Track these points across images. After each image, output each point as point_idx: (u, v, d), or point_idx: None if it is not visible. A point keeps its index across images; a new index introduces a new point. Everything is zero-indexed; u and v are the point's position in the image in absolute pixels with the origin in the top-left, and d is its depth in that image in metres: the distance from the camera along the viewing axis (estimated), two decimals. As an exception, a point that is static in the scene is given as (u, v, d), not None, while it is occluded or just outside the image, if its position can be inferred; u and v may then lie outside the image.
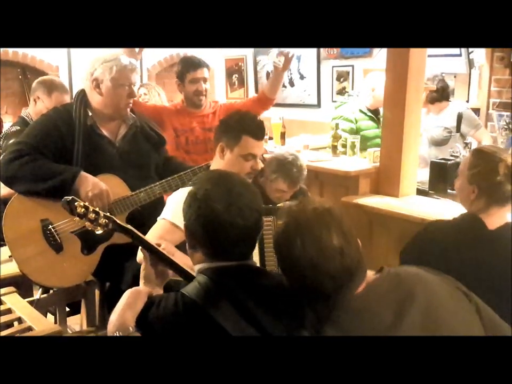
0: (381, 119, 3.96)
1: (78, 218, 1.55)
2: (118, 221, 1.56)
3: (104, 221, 1.54)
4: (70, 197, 1.57)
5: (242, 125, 2.10)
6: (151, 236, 1.88)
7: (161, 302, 1.32)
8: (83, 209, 1.54)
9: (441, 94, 3.90)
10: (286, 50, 3.02)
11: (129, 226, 1.56)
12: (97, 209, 1.57)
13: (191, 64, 3.14)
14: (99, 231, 1.57)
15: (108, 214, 1.57)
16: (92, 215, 1.54)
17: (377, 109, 4.04)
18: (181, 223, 1.88)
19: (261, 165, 2.18)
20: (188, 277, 1.46)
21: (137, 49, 2.83)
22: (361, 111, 4.01)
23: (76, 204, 1.54)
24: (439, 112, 3.93)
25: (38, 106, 3.04)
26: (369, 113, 4.02)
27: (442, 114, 3.92)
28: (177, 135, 3.15)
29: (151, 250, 1.52)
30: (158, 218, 1.98)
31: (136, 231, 1.57)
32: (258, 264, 1.96)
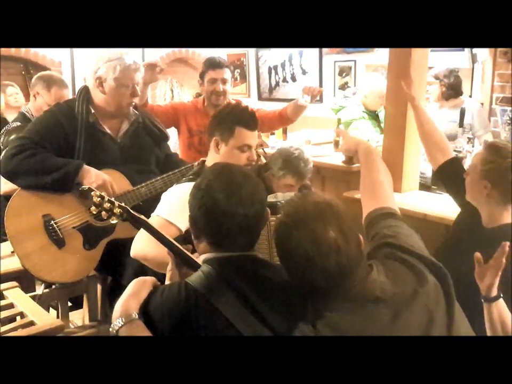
0: (379, 116, 4.01)
1: (94, 207, 1.57)
2: (132, 212, 1.56)
3: (118, 211, 1.55)
4: (87, 187, 1.61)
5: (235, 116, 2.10)
6: (145, 232, 1.88)
7: (165, 290, 1.35)
8: (99, 199, 1.56)
9: (456, 91, 3.90)
10: (312, 87, 3.17)
11: (142, 217, 1.57)
12: (112, 199, 1.59)
13: (211, 64, 3.16)
14: (114, 221, 1.61)
15: (123, 204, 1.59)
16: (107, 205, 1.56)
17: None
18: (175, 219, 1.89)
19: (262, 159, 2.18)
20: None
21: (158, 68, 2.85)
22: (364, 111, 4.07)
23: (92, 193, 1.57)
24: (453, 107, 3.92)
25: (38, 101, 3.05)
26: (371, 113, 4.06)
27: (455, 110, 3.90)
28: (192, 134, 3.17)
29: (164, 242, 1.54)
30: (152, 215, 1.96)
31: (149, 222, 1.58)
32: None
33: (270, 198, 2.12)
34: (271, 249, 1.97)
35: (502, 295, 1.51)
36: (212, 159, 2.12)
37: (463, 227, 2.03)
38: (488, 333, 1.53)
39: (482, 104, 4.18)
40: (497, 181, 1.80)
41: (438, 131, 2.34)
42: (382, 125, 3.87)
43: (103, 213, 1.58)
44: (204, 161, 2.21)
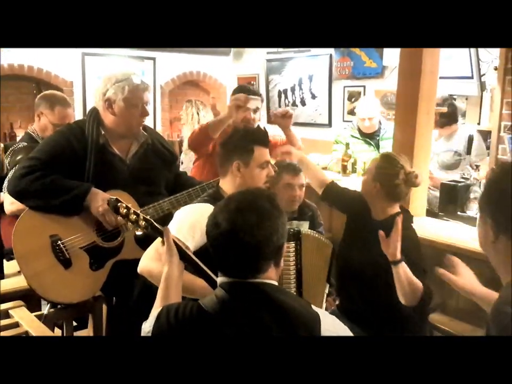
0: (379, 141, 4.17)
1: (120, 217, 1.69)
2: (156, 224, 1.65)
3: (143, 223, 1.65)
4: (114, 198, 1.69)
5: (251, 137, 2.16)
6: (153, 249, 1.89)
7: (178, 309, 1.38)
8: (125, 210, 1.66)
9: (449, 118, 3.92)
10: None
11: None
12: (138, 211, 1.67)
13: (245, 92, 3.06)
14: (139, 232, 1.72)
15: (148, 217, 1.68)
16: (133, 216, 1.66)
17: (373, 132, 4.22)
18: (184, 238, 1.91)
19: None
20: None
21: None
22: (352, 136, 4.28)
23: (119, 204, 1.66)
24: (449, 136, 3.94)
25: (42, 121, 3.05)
26: (362, 137, 4.25)
27: (452, 139, 3.92)
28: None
29: (183, 256, 1.60)
30: None
31: (173, 236, 1.63)
32: None
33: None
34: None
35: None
36: (230, 182, 2.11)
37: (356, 225, 2.47)
38: (399, 292, 2.05)
39: (490, 131, 4.19)
40: (385, 183, 2.25)
41: (316, 168, 2.91)
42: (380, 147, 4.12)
43: (129, 224, 1.70)
44: (217, 182, 2.21)
